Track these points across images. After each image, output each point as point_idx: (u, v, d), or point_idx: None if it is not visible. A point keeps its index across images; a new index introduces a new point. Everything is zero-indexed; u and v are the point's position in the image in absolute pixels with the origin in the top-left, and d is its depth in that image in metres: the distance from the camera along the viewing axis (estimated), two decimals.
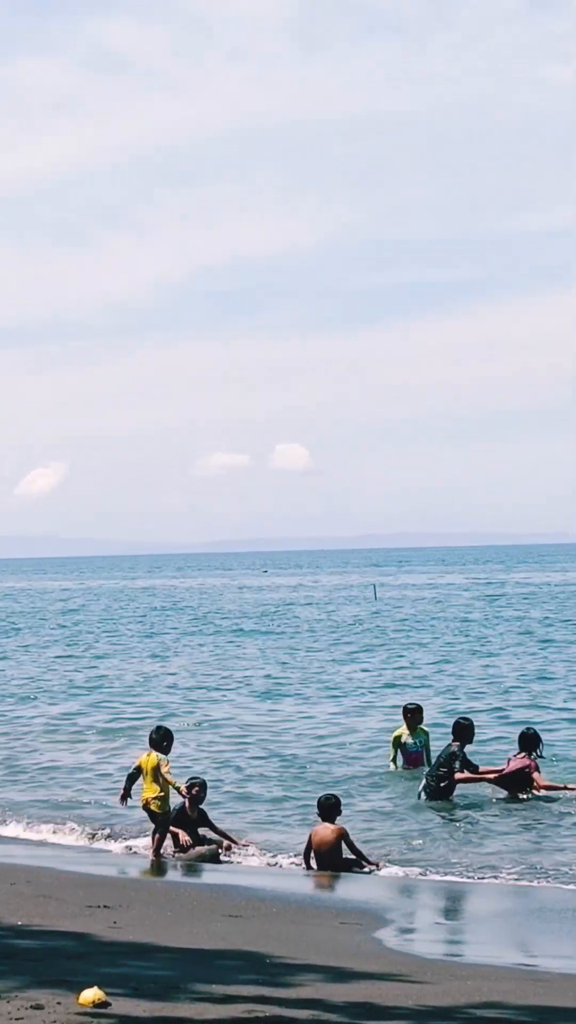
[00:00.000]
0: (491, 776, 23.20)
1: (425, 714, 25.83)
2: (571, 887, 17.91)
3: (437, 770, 23.25)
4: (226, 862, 19.64)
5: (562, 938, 15.48)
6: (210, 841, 20.00)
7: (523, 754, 23.25)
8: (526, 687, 40.78)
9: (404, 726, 25.54)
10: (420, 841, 20.65)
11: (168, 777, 19.28)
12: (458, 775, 23.09)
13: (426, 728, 25.46)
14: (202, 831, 20.12)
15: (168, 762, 19.46)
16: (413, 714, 25.38)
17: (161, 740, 19.72)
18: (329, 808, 19.29)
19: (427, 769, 23.91)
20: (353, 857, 19.00)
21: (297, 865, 19.30)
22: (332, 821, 19.15)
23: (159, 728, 20.22)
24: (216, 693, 41.04)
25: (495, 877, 18.54)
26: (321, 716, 34.91)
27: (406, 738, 25.39)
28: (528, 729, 23.94)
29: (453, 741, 23.42)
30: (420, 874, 18.84)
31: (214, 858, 19.57)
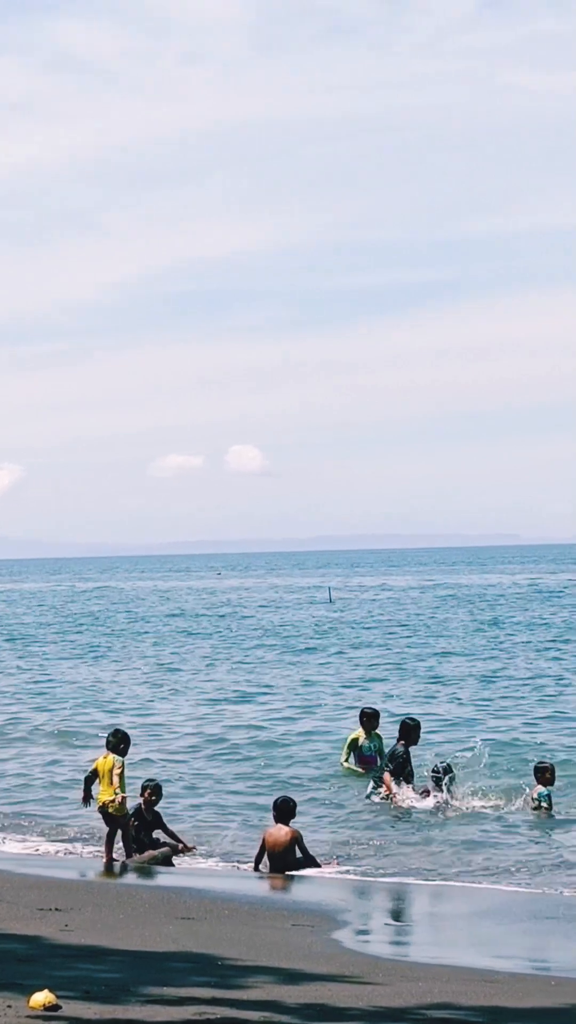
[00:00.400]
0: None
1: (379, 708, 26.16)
2: (519, 888, 17.97)
3: (385, 767, 23.39)
4: (179, 864, 19.60)
5: (512, 939, 15.53)
6: (163, 844, 19.96)
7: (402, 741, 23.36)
8: (477, 687, 40.91)
9: (360, 729, 25.65)
10: (372, 843, 20.69)
11: (116, 780, 19.23)
12: (386, 775, 23.21)
13: (380, 733, 25.48)
14: (156, 833, 20.09)
15: (123, 764, 19.42)
16: (369, 718, 25.55)
17: (119, 743, 19.68)
18: (284, 810, 19.29)
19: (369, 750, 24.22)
20: (307, 858, 19.01)
21: (249, 866, 19.28)
22: (287, 823, 19.16)
23: (116, 731, 20.18)
24: (166, 695, 40.94)
25: (445, 879, 18.59)
26: (275, 718, 34.89)
27: (362, 741, 25.49)
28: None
29: (399, 741, 23.53)
30: (372, 876, 18.87)
31: (167, 861, 19.54)
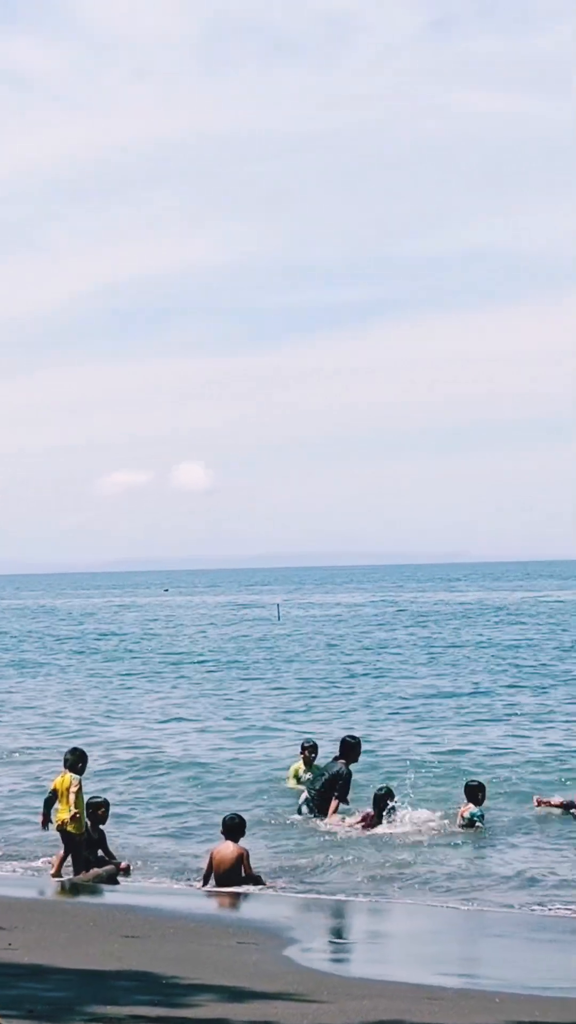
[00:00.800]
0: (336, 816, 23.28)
1: (323, 729, 26.23)
2: (459, 906, 18.00)
3: (321, 787, 23.38)
4: (124, 882, 19.53)
5: (454, 956, 15.57)
6: (108, 862, 19.90)
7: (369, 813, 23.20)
8: (422, 704, 41.02)
9: (300, 762, 25.77)
10: (315, 862, 20.68)
11: (71, 798, 19.16)
12: (334, 803, 23.16)
13: (321, 765, 25.30)
14: (101, 852, 20.05)
15: (79, 783, 19.38)
16: (309, 752, 25.56)
17: (76, 761, 19.65)
18: (233, 828, 19.26)
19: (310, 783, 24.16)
20: (250, 877, 18.99)
21: (200, 886, 19.25)
22: (236, 841, 19.14)
23: (74, 749, 20.15)
24: (114, 714, 40.83)
25: (387, 897, 18.60)
26: (222, 737, 34.85)
27: (302, 774, 25.52)
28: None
29: (339, 759, 23.55)
30: (316, 893, 18.86)
31: (112, 879, 19.47)
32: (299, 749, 26.24)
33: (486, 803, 23.02)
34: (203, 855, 19.88)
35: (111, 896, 18.56)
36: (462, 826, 22.46)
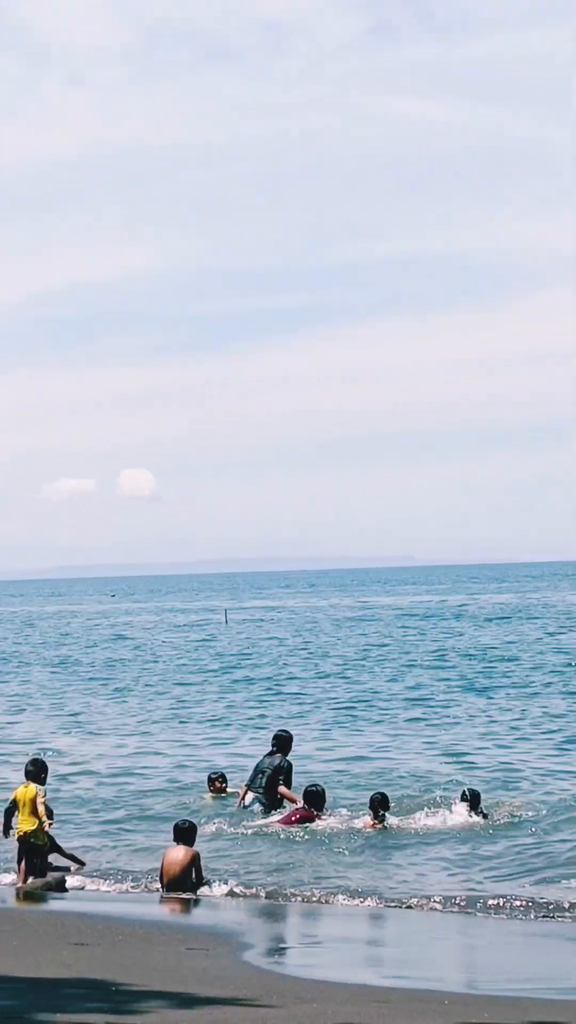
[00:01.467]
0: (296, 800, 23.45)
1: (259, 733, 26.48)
2: (407, 909, 18.05)
3: (265, 781, 23.72)
4: (74, 888, 19.46)
5: (404, 958, 15.62)
6: (56, 868, 19.86)
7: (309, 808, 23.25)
8: (361, 708, 41.13)
9: (209, 794, 25.74)
10: (262, 865, 20.68)
11: (41, 808, 19.18)
12: (282, 788, 23.51)
13: (260, 763, 25.19)
14: (51, 857, 20.04)
15: (45, 793, 19.38)
16: (219, 782, 25.78)
17: (39, 772, 19.69)
18: (185, 832, 19.28)
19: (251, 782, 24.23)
20: (200, 881, 19.03)
21: (149, 890, 19.24)
22: (188, 845, 19.17)
23: (35, 760, 20.16)
24: (54, 722, 40.66)
25: (335, 899, 18.61)
26: (171, 745, 34.76)
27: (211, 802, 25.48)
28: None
29: (276, 753, 23.91)
30: (264, 897, 18.87)
31: (60, 886, 19.41)
32: (207, 781, 26.07)
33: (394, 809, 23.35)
34: (155, 859, 19.89)
35: (59, 903, 18.50)
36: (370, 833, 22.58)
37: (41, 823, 19.17)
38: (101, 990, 12.88)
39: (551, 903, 17.86)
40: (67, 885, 19.44)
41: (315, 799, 23.03)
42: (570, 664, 54.93)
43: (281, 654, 66.81)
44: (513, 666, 55.29)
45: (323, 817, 22.91)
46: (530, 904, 17.88)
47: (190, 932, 16.46)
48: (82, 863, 20.39)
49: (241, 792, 24.50)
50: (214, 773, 26.25)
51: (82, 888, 19.51)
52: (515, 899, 18.16)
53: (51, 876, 19.48)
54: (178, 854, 19.06)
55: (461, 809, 22.95)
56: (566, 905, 17.70)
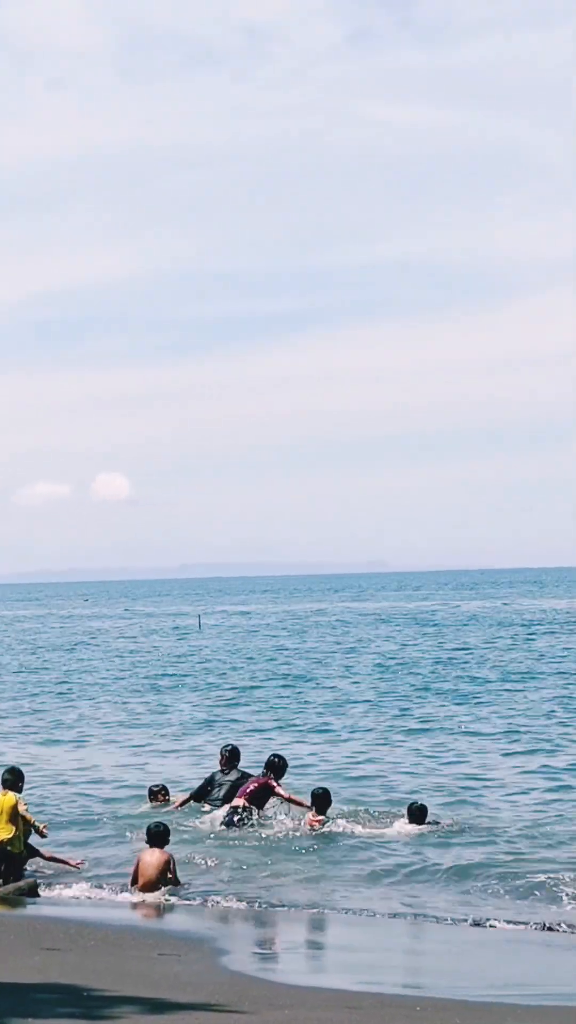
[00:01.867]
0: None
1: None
2: (382, 915, 18.08)
3: (223, 795, 23.85)
4: (45, 893, 19.43)
5: (378, 964, 15.64)
6: (28, 875, 19.84)
7: (268, 773, 23.41)
8: (329, 716, 41.15)
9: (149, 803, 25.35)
10: (238, 871, 20.69)
11: (28, 815, 19.27)
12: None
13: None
14: (30, 863, 20.08)
15: (24, 801, 19.42)
16: (161, 794, 25.22)
17: (16, 780, 19.77)
18: (158, 835, 19.38)
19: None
20: (175, 883, 19.09)
21: (121, 890, 19.24)
22: (160, 847, 19.26)
23: (12, 769, 20.18)
24: (26, 731, 40.58)
25: (309, 906, 18.63)
26: (128, 753, 34.64)
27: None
28: (276, 757, 24.16)
29: (235, 770, 24.26)
30: (237, 903, 18.87)
31: (32, 891, 19.38)
32: (148, 793, 25.51)
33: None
34: (125, 863, 19.89)
35: (31, 908, 18.48)
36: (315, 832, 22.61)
37: (18, 831, 19.22)
38: (73, 995, 12.88)
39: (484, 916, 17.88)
40: (71, 894, 19.42)
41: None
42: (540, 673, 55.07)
43: (253, 660, 66.79)
44: (488, 672, 55.40)
45: (281, 787, 23.04)
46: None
47: (162, 937, 16.46)
48: (75, 865, 20.38)
49: (177, 801, 24.34)
50: (156, 785, 25.66)
51: (88, 898, 19.39)
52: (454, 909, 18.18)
53: (23, 881, 19.45)
54: (152, 857, 19.12)
55: (403, 822, 22.97)
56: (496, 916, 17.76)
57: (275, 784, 23.35)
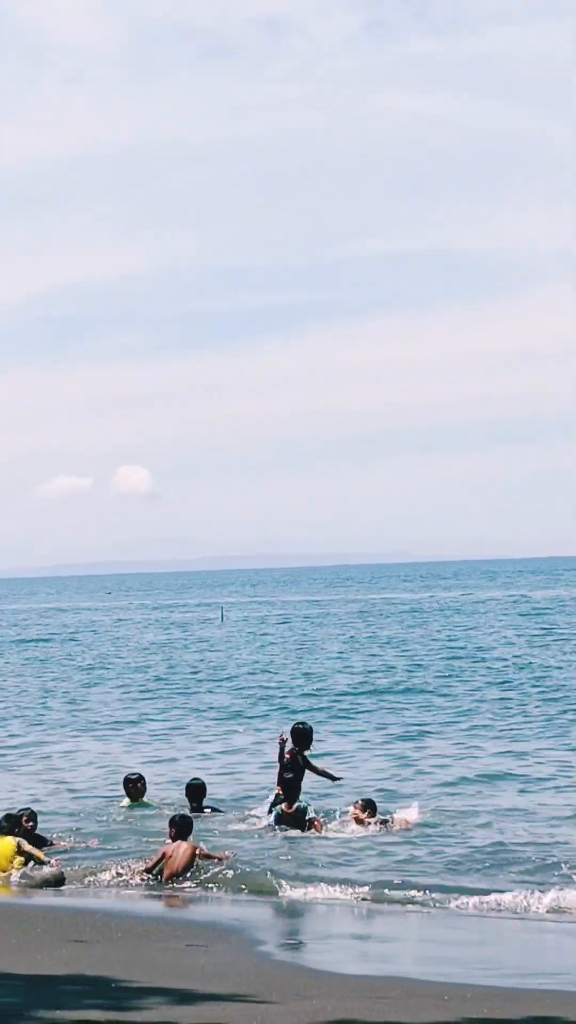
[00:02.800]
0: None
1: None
2: (405, 905, 18.06)
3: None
4: (71, 887, 19.44)
5: (404, 953, 15.64)
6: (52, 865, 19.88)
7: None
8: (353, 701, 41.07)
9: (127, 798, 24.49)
10: (270, 860, 20.67)
11: (35, 852, 19.62)
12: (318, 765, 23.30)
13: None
14: (45, 850, 20.13)
15: (26, 843, 19.70)
16: (137, 783, 24.24)
17: (11, 827, 19.87)
18: (184, 827, 19.48)
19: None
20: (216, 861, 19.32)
21: (147, 882, 19.25)
22: (185, 839, 19.35)
23: (8, 815, 20.18)
24: (59, 724, 40.58)
25: (333, 896, 18.60)
26: (150, 748, 34.59)
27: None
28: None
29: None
30: (266, 894, 18.86)
31: (59, 882, 19.42)
32: (123, 783, 24.59)
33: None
34: (149, 855, 19.89)
35: (58, 900, 18.51)
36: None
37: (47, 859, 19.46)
38: (100, 987, 12.90)
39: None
40: (97, 885, 19.44)
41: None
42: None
43: (273, 655, 66.63)
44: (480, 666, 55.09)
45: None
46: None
47: (190, 928, 16.46)
48: (76, 845, 20.49)
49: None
50: (133, 774, 24.58)
51: (113, 889, 19.40)
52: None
53: (48, 872, 19.49)
54: (180, 849, 19.23)
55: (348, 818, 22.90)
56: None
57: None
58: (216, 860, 19.39)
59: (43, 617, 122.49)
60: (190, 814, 22.00)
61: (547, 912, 17.39)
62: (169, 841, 19.59)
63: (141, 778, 24.40)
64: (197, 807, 23.14)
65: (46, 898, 18.67)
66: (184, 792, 23.70)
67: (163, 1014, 11.77)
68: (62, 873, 19.64)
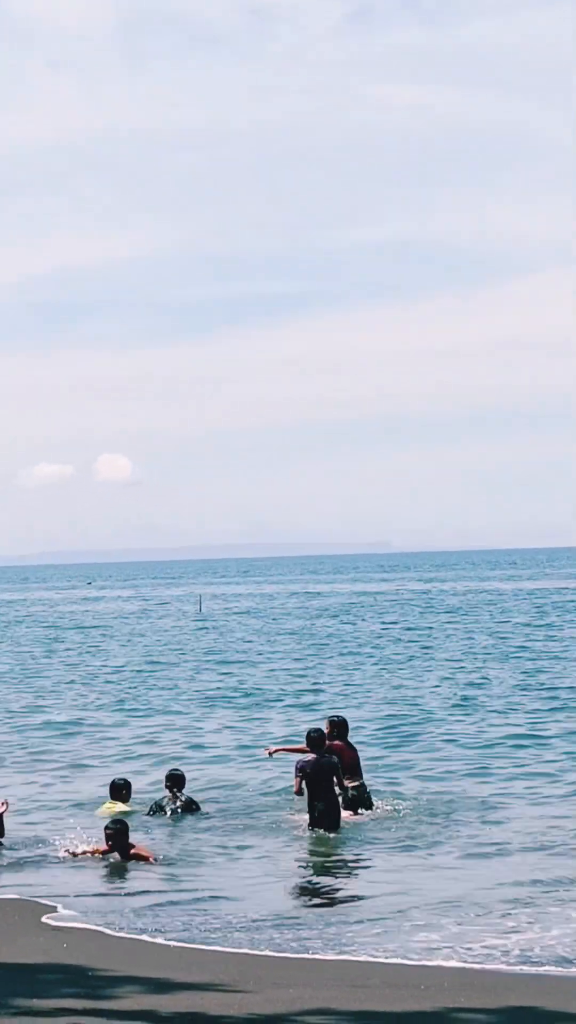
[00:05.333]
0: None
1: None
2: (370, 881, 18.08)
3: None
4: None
5: (381, 943, 15.65)
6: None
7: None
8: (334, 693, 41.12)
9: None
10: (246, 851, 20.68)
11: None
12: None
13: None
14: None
15: None
16: (122, 790, 23.38)
17: None
18: (117, 834, 19.29)
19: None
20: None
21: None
22: (123, 844, 19.30)
23: None
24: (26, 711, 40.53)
25: (296, 887, 18.63)
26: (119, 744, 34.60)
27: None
28: (338, 718, 23.50)
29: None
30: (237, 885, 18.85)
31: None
32: (110, 788, 23.48)
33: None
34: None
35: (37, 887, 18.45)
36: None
37: None
38: (78, 975, 12.90)
39: None
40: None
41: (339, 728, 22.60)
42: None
43: (251, 645, 66.76)
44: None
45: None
46: None
47: None
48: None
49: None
50: (119, 779, 23.79)
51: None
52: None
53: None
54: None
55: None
56: None
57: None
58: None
59: (27, 607, 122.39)
60: (169, 804, 22.14)
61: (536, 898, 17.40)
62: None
63: (127, 784, 23.80)
64: (177, 795, 23.14)
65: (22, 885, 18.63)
66: (164, 780, 23.67)
67: (140, 1002, 11.78)
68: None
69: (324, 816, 21.07)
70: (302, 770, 21.09)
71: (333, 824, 21.08)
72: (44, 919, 15.65)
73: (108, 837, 19.22)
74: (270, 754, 23.99)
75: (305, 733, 22.30)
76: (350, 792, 22.27)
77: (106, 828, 19.45)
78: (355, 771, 22.66)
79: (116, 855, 19.16)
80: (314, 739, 21.57)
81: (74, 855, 19.28)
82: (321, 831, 20.95)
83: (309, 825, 21.16)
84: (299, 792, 21.32)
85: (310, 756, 21.30)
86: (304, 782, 21.08)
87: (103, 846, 19.26)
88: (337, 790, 21.49)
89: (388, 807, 22.77)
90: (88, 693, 44.15)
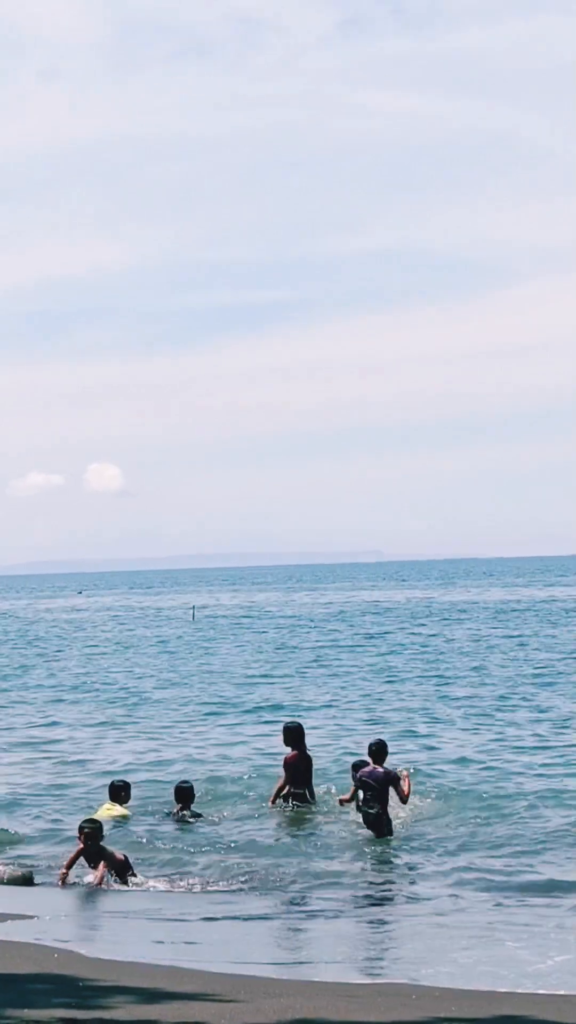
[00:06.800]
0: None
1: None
2: (374, 906, 18.08)
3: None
4: (40, 886, 19.42)
5: (371, 954, 15.65)
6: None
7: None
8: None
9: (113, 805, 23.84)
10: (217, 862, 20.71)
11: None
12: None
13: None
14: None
15: None
16: (120, 791, 23.52)
17: None
18: (92, 834, 19.27)
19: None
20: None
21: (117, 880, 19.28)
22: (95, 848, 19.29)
23: None
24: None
25: (301, 895, 18.64)
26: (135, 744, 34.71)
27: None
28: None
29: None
30: (229, 891, 18.88)
31: (27, 881, 19.38)
32: (110, 789, 23.67)
33: None
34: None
35: (29, 898, 18.45)
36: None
37: None
38: (69, 985, 12.87)
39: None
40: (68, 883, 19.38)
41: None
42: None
43: (246, 655, 66.70)
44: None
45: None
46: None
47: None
48: None
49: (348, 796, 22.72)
50: (119, 781, 23.97)
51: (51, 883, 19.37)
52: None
53: (20, 870, 19.44)
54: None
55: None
56: None
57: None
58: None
59: (14, 616, 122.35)
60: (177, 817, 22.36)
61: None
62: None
63: (127, 785, 23.98)
64: (184, 809, 23.24)
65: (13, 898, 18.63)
66: (173, 794, 23.76)
67: (131, 1012, 11.75)
68: (31, 873, 19.58)
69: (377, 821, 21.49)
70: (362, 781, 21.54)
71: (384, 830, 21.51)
72: (34, 934, 15.66)
73: (82, 835, 19.18)
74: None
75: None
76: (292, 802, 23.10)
77: (80, 826, 19.40)
78: (303, 780, 23.26)
79: (89, 864, 19.09)
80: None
81: (64, 881, 19.16)
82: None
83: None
84: (350, 800, 22.27)
85: (370, 767, 21.66)
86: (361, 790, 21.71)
87: (79, 846, 19.23)
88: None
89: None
90: (81, 701, 44.16)
